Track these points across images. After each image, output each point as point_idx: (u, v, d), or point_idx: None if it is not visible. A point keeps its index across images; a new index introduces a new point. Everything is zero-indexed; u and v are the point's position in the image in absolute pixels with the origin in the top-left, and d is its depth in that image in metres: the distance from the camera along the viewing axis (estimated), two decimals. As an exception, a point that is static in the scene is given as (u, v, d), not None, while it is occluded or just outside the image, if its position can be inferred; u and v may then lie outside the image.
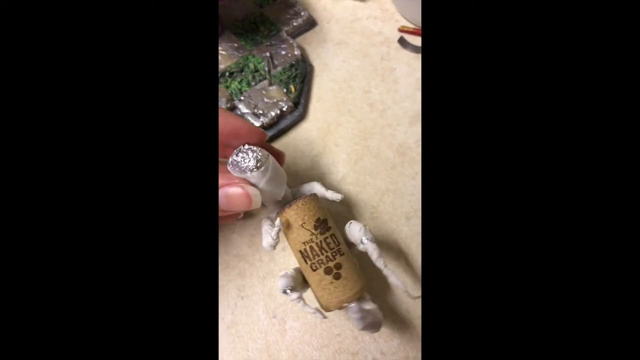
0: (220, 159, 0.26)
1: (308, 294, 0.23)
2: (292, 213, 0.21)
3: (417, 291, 0.26)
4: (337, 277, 0.21)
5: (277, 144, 0.32)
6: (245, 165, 0.20)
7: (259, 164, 0.20)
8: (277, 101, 0.32)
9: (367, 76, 0.35)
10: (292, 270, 0.22)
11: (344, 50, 0.36)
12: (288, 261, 0.27)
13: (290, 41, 0.35)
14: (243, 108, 0.32)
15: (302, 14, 0.37)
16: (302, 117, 0.33)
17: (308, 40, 0.37)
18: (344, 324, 0.25)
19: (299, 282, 0.22)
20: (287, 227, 0.21)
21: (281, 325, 0.26)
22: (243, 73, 0.33)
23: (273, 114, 0.31)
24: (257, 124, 0.31)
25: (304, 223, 0.21)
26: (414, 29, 0.36)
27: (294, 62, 0.34)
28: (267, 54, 0.34)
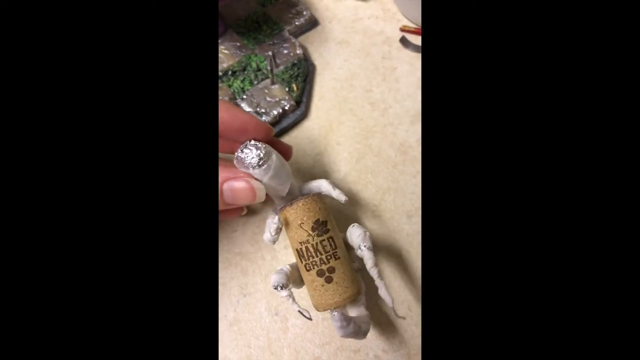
0: (224, 155, 0.26)
1: (304, 290, 0.23)
2: (292, 212, 0.21)
3: (416, 305, 0.26)
4: (329, 280, 0.21)
5: (279, 143, 0.32)
6: (248, 162, 0.20)
7: (260, 162, 0.20)
8: (280, 100, 0.32)
9: (368, 75, 0.35)
10: (288, 266, 0.22)
11: (345, 50, 0.36)
12: (290, 259, 0.28)
13: (293, 40, 0.35)
14: (245, 107, 0.32)
15: (304, 13, 0.37)
16: (304, 115, 0.33)
17: (310, 40, 0.37)
18: (345, 322, 0.26)
19: (295, 278, 0.22)
20: (286, 225, 0.22)
21: (283, 323, 0.26)
22: (245, 72, 0.34)
23: (275, 112, 0.31)
24: (259, 122, 0.31)
25: (302, 223, 0.21)
26: (415, 28, 0.36)
27: (296, 61, 0.34)
28: (270, 53, 0.34)
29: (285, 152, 0.25)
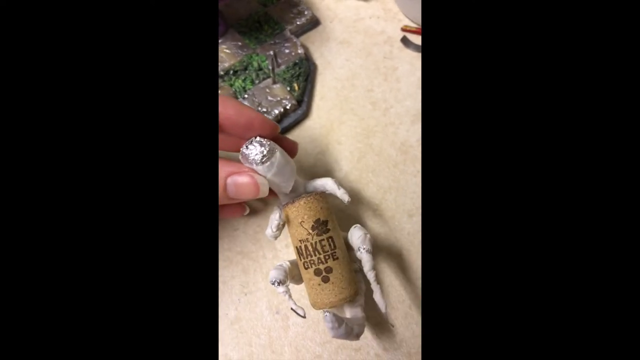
0: (230, 154, 0.26)
1: (303, 287, 0.23)
2: (294, 210, 0.21)
3: (416, 311, 0.26)
4: (325, 280, 0.21)
5: (281, 142, 0.32)
6: (252, 158, 0.20)
7: (264, 159, 0.20)
8: (281, 99, 0.32)
9: (369, 75, 0.35)
10: (287, 263, 0.22)
11: (347, 49, 0.36)
12: (291, 258, 0.28)
13: (294, 40, 0.35)
14: (247, 106, 0.32)
15: (306, 13, 0.37)
16: (305, 115, 0.33)
17: (311, 39, 0.37)
18: (346, 320, 0.26)
19: (294, 275, 0.22)
20: (288, 222, 0.22)
21: (284, 321, 0.26)
22: (247, 71, 0.34)
23: (276, 112, 0.31)
24: (260, 121, 0.31)
25: (303, 222, 0.21)
26: (416, 28, 0.37)
27: (297, 61, 0.34)
28: (271, 52, 0.34)
29: (290, 148, 0.25)
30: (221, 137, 0.22)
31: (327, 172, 0.31)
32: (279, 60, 0.34)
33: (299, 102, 0.33)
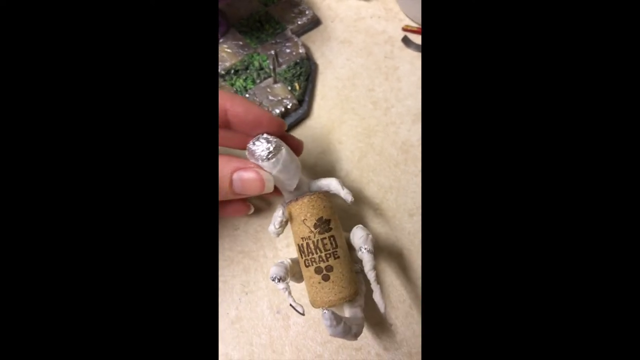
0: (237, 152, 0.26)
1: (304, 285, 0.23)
2: (297, 207, 0.22)
3: (416, 311, 0.26)
4: (326, 278, 0.21)
5: (282, 141, 0.32)
6: (258, 154, 0.21)
7: (269, 155, 0.21)
8: (282, 99, 0.32)
9: (370, 74, 0.35)
10: (288, 260, 0.22)
11: (347, 49, 0.36)
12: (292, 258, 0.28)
13: (295, 39, 0.35)
14: (248, 105, 0.32)
15: (307, 12, 0.37)
16: (306, 114, 0.33)
17: (312, 39, 0.37)
18: (347, 320, 0.26)
19: (295, 273, 0.22)
20: (291, 219, 0.22)
21: (285, 321, 0.26)
22: (248, 71, 0.34)
23: (278, 111, 0.31)
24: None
25: (305, 219, 0.21)
26: (417, 28, 0.37)
27: (298, 60, 0.34)
28: (272, 52, 0.34)
29: (296, 146, 0.25)
30: (229, 134, 0.22)
31: (328, 172, 0.31)
32: (280, 60, 0.34)
33: (300, 102, 0.33)
